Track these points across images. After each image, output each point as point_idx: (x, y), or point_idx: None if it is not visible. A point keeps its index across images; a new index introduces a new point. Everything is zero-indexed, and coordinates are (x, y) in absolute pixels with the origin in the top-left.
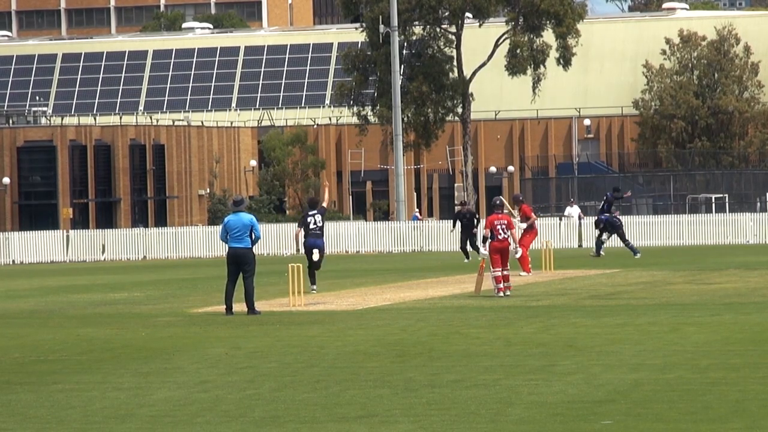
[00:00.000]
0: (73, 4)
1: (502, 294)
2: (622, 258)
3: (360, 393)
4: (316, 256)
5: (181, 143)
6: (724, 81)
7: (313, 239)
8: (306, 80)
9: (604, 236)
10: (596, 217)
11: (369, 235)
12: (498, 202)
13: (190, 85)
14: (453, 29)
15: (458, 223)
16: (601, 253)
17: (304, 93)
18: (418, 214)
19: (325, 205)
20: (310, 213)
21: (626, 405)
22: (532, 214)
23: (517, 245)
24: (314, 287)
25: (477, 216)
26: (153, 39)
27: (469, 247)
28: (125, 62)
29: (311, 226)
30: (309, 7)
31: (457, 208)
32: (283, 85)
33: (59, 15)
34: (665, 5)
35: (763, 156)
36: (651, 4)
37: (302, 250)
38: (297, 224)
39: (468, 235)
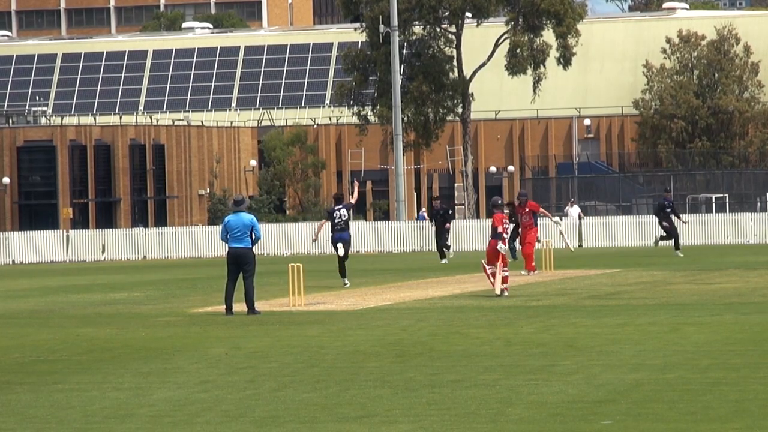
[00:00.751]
0: (73, 4)
1: (499, 293)
2: (622, 258)
3: (360, 393)
4: (341, 251)
5: (181, 143)
6: (724, 81)
7: (339, 233)
8: (306, 80)
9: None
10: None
11: (369, 235)
12: (500, 201)
13: (190, 85)
14: (453, 29)
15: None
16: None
17: (304, 93)
18: (425, 214)
19: (352, 201)
20: (336, 208)
21: (626, 405)
22: (541, 209)
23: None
24: (346, 281)
25: (450, 212)
26: (153, 39)
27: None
28: (125, 62)
29: (336, 220)
30: (309, 7)
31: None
32: (283, 85)
33: (59, 15)
34: (665, 5)
35: (763, 156)
36: (651, 4)
37: (319, 239)
38: (324, 217)
39: (442, 232)
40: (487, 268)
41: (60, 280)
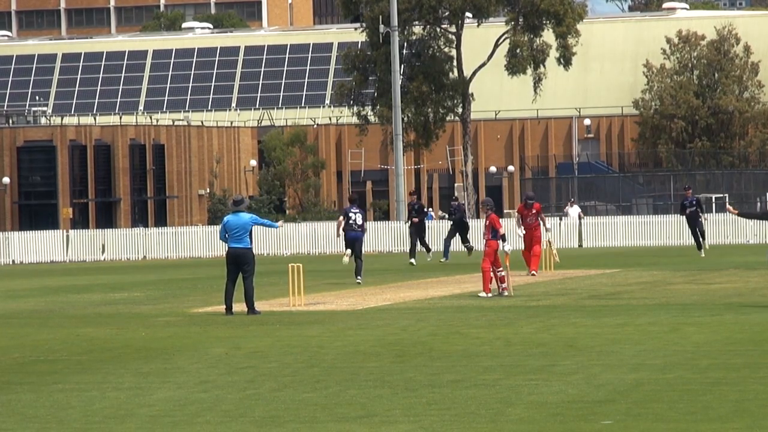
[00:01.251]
0: (73, 4)
1: (487, 293)
2: (623, 258)
3: (360, 393)
4: (345, 260)
5: (181, 143)
6: (724, 81)
7: (355, 233)
8: (306, 80)
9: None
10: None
11: (369, 235)
12: (492, 203)
13: (190, 85)
14: (453, 29)
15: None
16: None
17: (304, 93)
18: (432, 213)
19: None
20: (353, 210)
21: (626, 405)
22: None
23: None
24: (359, 279)
25: (426, 209)
26: (153, 39)
27: (418, 246)
28: (125, 62)
29: (351, 221)
30: (309, 7)
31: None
32: (283, 85)
33: (59, 15)
34: (665, 5)
35: (763, 156)
36: (651, 4)
37: (342, 236)
38: (341, 215)
39: (418, 230)
40: (490, 271)
41: (60, 280)
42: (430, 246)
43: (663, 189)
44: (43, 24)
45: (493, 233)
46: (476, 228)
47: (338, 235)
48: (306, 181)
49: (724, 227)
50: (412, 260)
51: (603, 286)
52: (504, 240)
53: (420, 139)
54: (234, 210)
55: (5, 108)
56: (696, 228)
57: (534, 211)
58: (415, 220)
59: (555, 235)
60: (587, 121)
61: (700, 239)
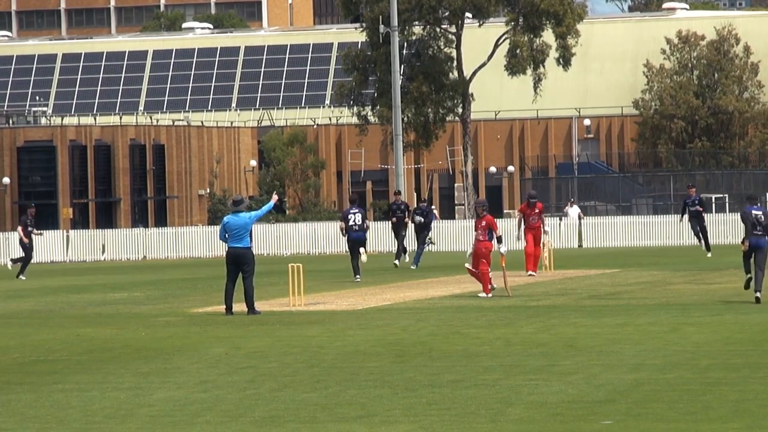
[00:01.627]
0: (73, 4)
1: (487, 294)
2: (623, 258)
3: (360, 393)
4: (364, 257)
5: (181, 143)
6: (724, 81)
7: (357, 233)
8: (306, 80)
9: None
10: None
11: (369, 235)
12: (486, 204)
13: (190, 85)
14: (453, 29)
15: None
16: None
17: (304, 93)
18: (435, 213)
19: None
20: (351, 211)
21: (626, 405)
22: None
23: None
24: (358, 277)
25: (410, 208)
26: (153, 39)
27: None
28: (125, 62)
29: (350, 222)
30: (309, 7)
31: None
32: (283, 85)
33: (59, 15)
34: (665, 5)
35: (763, 156)
36: (651, 4)
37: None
38: (340, 218)
39: (401, 229)
40: (488, 272)
41: (60, 280)
42: (406, 250)
43: (663, 189)
44: (43, 24)
45: (489, 234)
46: (468, 228)
47: (344, 235)
48: (306, 181)
49: (724, 227)
50: (397, 261)
51: (603, 286)
52: (500, 241)
53: (420, 139)
54: (234, 210)
55: (5, 108)
56: (698, 228)
57: (537, 210)
58: (406, 220)
59: (554, 236)
60: (587, 121)
61: (705, 239)
